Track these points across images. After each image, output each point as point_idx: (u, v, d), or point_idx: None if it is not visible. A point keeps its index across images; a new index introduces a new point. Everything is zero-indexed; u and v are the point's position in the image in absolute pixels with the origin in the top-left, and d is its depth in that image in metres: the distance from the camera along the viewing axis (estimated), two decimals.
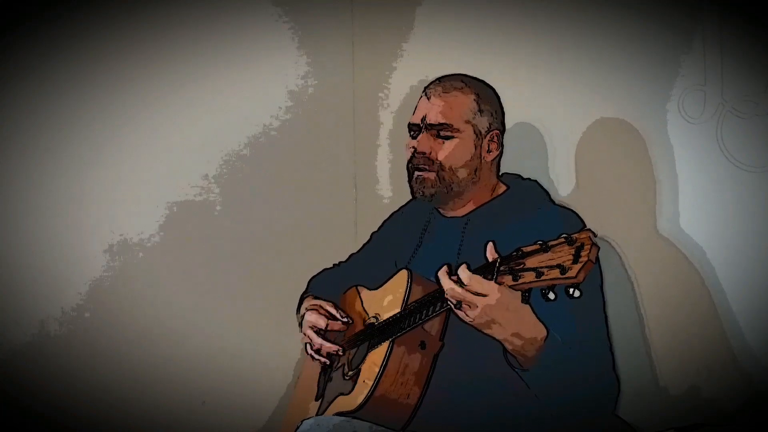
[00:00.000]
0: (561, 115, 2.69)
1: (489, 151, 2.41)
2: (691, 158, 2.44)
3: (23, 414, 2.82)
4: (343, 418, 2.21)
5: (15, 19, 2.82)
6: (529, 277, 1.91)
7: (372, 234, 2.74)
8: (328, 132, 3.31)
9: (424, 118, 2.40)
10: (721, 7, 2.37)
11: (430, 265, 2.37)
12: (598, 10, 2.60)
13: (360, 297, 2.57)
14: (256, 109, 3.17)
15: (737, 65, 2.35)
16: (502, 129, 2.45)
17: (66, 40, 2.88)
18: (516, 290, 1.97)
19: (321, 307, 2.55)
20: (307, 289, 2.73)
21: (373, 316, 2.43)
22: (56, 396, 2.85)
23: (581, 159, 2.66)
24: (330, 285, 2.69)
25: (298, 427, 2.23)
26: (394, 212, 2.71)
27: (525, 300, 1.99)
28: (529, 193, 2.44)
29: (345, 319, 2.50)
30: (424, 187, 2.40)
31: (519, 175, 2.51)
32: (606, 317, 2.26)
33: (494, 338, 2.05)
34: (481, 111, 2.40)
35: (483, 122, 2.40)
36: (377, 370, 2.22)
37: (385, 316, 2.35)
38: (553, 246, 1.89)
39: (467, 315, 2.02)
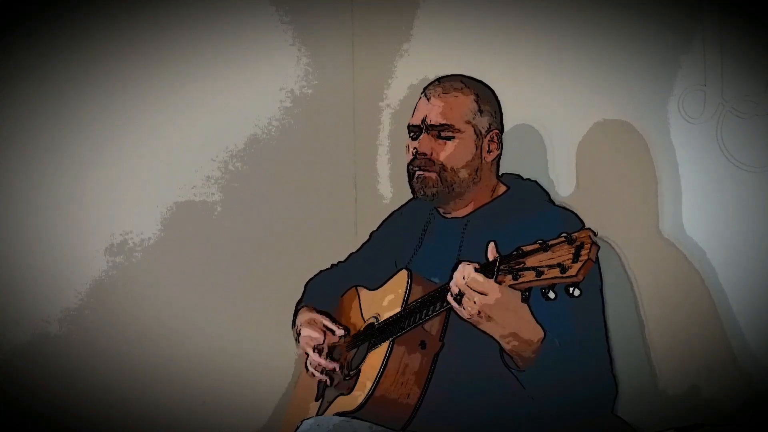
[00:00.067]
0: (561, 115, 2.69)
1: (489, 151, 2.42)
2: (691, 158, 2.44)
3: (23, 414, 2.82)
4: (342, 418, 2.21)
5: (15, 19, 2.82)
6: (529, 276, 1.91)
7: (371, 233, 2.74)
8: (328, 132, 3.31)
9: (424, 119, 2.40)
10: (721, 7, 2.37)
11: (430, 266, 2.37)
12: (598, 10, 2.60)
13: (359, 297, 2.57)
14: (256, 109, 3.17)
15: (737, 65, 2.35)
16: (502, 129, 2.46)
17: (66, 40, 2.88)
18: (516, 289, 1.97)
19: (316, 321, 2.55)
20: (303, 294, 2.72)
21: (373, 316, 2.43)
22: (56, 396, 2.85)
23: (581, 159, 2.66)
24: (328, 289, 2.68)
25: (298, 427, 2.23)
26: (394, 211, 2.71)
27: (525, 299, 1.99)
28: (529, 194, 2.44)
29: (341, 332, 2.49)
30: (425, 187, 2.40)
31: (519, 176, 2.51)
32: (605, 319, 2.26)
33: (491, 337, 2.05)
34: (481, 111, 2.40)
35: (483, 122, 2.40)
36: (377, 370, 2.22)
37: (385, 316, 2.35)
38: (553, 245, 1.88)
39: (466, 311, 2.02)
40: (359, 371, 2.33)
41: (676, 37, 2.45)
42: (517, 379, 2.10)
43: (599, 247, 1.85)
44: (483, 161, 2.41)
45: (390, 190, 3.22)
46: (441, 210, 2.49)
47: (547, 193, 2.46)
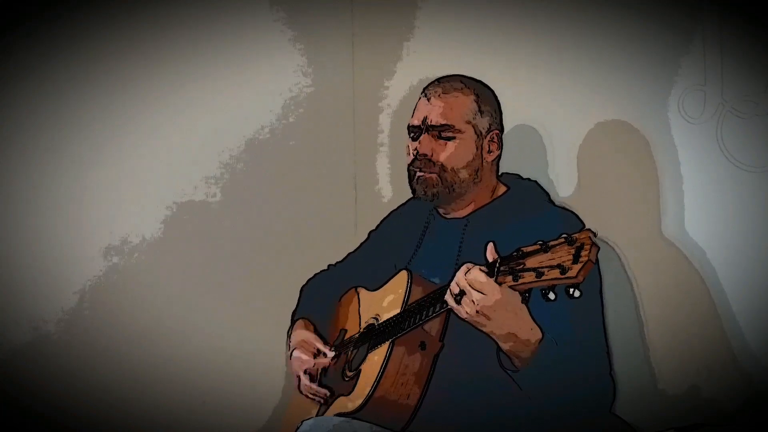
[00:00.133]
0: (561, 116, 2.69)
1: (489, 152, 2.41)
2: (691, 158, 2.44)
3: (23, 414, 2.82)
4: (343, 418, 2.21)
5: (15, 19, 2.82)
6: (530, 277, 1.91)
7: (370, 233, 2.74)
8: (328, 132, 3.31)
9: (425, 120, 2.40)
10: (721, 7, 2.37)
11: (430, 266, 2.37)
12: (598, 10, 2.60)
13: (359, 298, 2.57)
14: (256, 109, 3.17)
15: (737, 65, 2.35)
16: (502, 129, 2.45)
17: (66, 40, 2.88)
18: (516, 290, 1.97)
19: (308, 343, 2.55)
20: (299, 301, 2.72)
21: (373, 317, 2.42)
22: (56, 396, 2.85)
23: (581, 159, 2.66)
24: (324, 296, 2.68)
25: (298, 428, 2.23)
26: (393, 211, 2.70)
27: (525, 300, 1.99)
28: (529, 194, 2.44)
29: (332, 354, 2.49)
30: (426, 187, 2.40)
31: (519, 176, 2.51)
32: (604, 320, 2.26)
33: (489, 336, 2.05)
34: (481, 111, 2.40)
35: (483, 122, 2.40)
36: (377, 370, 2.22)
37: (385, 316, 2.35)
38: (553, 246, 1.88)
39: (465, 311, 2.02)
40: (359, 372, 2.33)
41: (676, 37, 2.45)
42: (513, 379, 2.10)
43: (599, 248, 1.86)
44: (483, 161, 2.41)
45: (390, 190, 3.22)
46: (441, 210, 2.49)
47: (547, 194, 2.46)
